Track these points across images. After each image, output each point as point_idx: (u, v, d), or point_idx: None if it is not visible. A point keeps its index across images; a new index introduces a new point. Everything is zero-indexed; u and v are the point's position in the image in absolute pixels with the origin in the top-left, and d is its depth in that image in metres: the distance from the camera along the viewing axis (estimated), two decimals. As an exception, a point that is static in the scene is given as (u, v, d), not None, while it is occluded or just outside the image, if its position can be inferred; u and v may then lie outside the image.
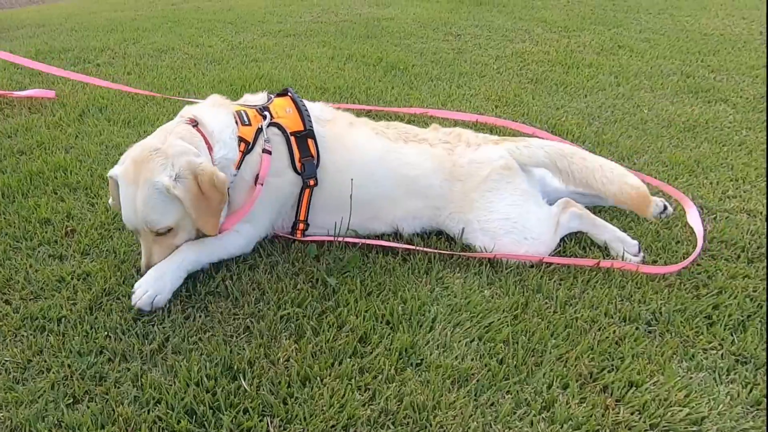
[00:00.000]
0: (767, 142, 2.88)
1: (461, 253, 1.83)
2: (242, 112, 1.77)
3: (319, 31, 4.94)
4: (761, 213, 2.15)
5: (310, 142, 1.76)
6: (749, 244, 1.95)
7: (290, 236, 1.86)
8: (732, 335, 1.55)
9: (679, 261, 1.84)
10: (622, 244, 1.84)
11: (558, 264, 1.80)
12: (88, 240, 1.86)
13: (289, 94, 1.88)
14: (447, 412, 1.28)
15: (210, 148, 1.64)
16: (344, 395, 1.31)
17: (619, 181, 1.81)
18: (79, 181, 2.22)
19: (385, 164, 1.84)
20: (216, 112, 1.73)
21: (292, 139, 1.75)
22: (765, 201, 2.24)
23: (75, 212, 2.02)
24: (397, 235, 1.94)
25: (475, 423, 1.26)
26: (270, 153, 1.71)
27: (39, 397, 1.29)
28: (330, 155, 1.79)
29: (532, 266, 1.79)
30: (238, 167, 1.69)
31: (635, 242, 1.85)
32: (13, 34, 4.71)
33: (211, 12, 5.87)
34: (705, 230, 1.96)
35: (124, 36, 4.56)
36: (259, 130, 1.72)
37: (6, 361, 1.39)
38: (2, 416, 1.25)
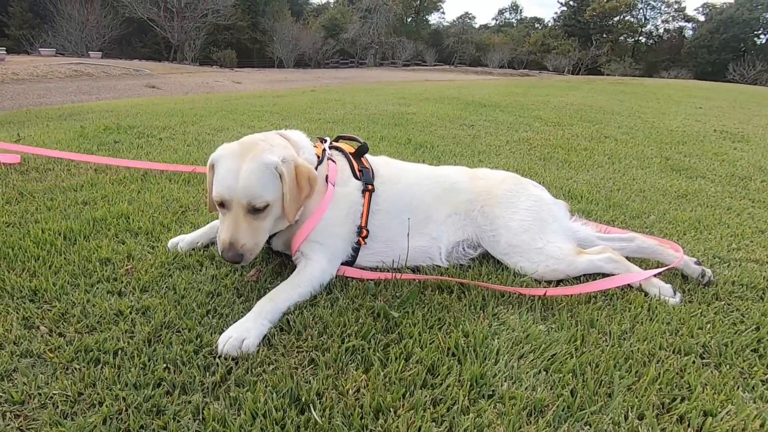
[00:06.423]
0: None
1: (512, 288, 1.67)
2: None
3: (354, 120, 5.14)
4: (767, 262, 2.06)
5: (363, 159, 1.90)
6: None
7: (354, 253, 1.79)
8: (784, 368, 1.37)
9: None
10: (657, 288, 1.72)
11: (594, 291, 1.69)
12: (148, 277, 1.67)
13: (340, 137, 2.09)
14: (531, 446, 1.07)
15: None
16: (420, 427, 1.09)
17: None
18: (141, 227, 2.08)
19: (426, 173, 2.00)
20: (294, 132, 1.85)
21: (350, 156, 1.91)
22: (766, 253, 2.16)
23: (135, 253, 1.85)
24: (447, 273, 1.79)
25: (562, 457, 1.04)
26: (335, 162, 1.83)
27: (88, 433, 1.05)
28: (383, 169, 1.93)
29: (580, 302, 1.63)
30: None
31: (669, 286, 1.73)
32: (84, 116, 4.80)
33: (259, 105, 6.16)
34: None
35: (184, 119, 4.67)
36: (324, 150, 1.86)
37: (54, 394, 1.14)
38: (48, 453, 1.00)
